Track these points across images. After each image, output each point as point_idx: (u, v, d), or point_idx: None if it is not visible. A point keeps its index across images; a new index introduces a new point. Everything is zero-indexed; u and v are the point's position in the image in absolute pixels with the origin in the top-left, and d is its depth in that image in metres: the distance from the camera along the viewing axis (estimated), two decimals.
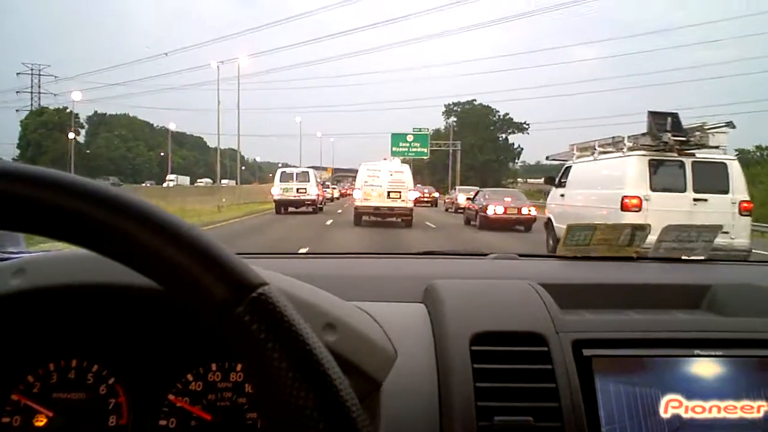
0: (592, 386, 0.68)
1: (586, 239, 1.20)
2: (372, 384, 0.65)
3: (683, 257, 1.28)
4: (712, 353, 0.71)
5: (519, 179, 71.12)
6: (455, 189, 33.21)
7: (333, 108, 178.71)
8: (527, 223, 16.49)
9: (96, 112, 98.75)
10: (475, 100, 73.19)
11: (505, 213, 16.41)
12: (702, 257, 1.28)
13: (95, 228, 0.35)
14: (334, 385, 0.36)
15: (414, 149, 45.36)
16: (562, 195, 11.13)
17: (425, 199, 34.94)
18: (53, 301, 0.66)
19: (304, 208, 22.73)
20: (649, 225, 1.27)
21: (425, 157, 49.04)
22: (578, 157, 11.06)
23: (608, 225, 1.23)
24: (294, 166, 28.79)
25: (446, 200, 33.54)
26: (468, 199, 20.74)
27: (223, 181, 56.25)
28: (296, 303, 0.40)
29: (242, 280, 0.36)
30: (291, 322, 0.36)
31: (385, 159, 24.79)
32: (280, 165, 28.32)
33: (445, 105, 73.96)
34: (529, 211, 16.60)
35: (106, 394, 0.77)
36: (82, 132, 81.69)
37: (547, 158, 13.74)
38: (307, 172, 23.47)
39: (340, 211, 25.60)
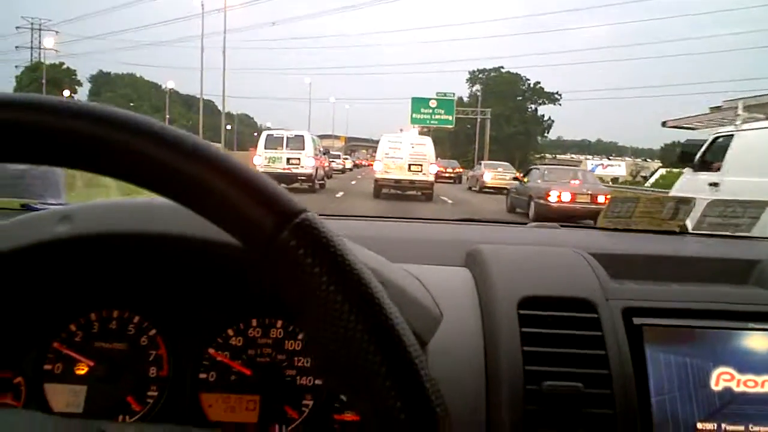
0: (642, 355, 0.68)
1: (629, 211, 1.22)
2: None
3: (728, 233, 1.24)
4: (766, 327, 0.70)
5: (548, 155, 66.03)
6: (480, 164, 28.60)
7: (348, 71, 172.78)
8: None
9: (101, 71, 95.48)
10: (502, 67, 67.82)
11: (572, 201, 11.53)
12: (747, 233, 1.23)
13: (140, 161, 0.35)
14: (380, 303, 0.36)
15: (438, 116, 40.15)
16: (714, 184, 6.64)
17: (446, 175, 30.67)
18: (97, 249, 0.67)
19: (297, 185, 16.62)
20: (695, 199, 1.23)
21: (450, 126, 43.51)
22: (746, 121, 6.78)
23: (651, 198, 1.25)
24: (284, 129, 19.73)
25: (470, 176, 29.13)
26: (515, 179, 15.87)
27: None
28: None
29: (285, 207, 0.36)
30: (335, 245, 0.36)
31: (401, 130, 20.92)
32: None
33: (469, 72, 68.75)
34: (606, 199, 11.67)
35: (146, 345, 0.78)
36: (83, 91, 78.23)
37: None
38: (302, 136, 17.42)
39: (340, 194, 18.01)
